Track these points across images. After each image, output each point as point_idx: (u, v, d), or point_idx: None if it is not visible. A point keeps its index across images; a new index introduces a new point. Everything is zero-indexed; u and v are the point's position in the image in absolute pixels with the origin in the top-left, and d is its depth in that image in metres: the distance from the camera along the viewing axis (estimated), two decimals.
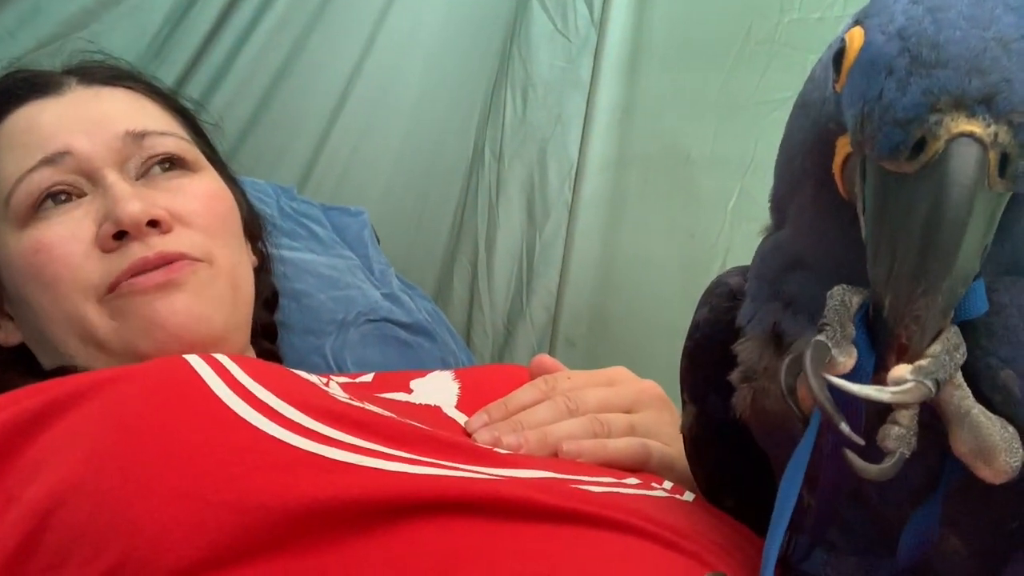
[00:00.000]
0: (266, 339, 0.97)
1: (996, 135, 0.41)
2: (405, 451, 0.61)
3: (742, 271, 0.60)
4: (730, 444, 0.62)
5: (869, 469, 0.43)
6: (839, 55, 0.46)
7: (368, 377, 0.87)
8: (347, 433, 0.61)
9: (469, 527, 0.55)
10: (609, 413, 0.76)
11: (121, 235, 0.78)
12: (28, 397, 0.63)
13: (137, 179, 0.83)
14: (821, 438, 0.47)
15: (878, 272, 0.44)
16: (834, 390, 0.43)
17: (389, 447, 0.60)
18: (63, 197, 0.81)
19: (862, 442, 0.43)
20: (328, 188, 1.31)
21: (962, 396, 0.44)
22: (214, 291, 0.81)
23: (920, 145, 0.41)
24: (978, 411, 0.44)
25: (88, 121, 0.83)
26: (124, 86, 0.90)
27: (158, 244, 0.79)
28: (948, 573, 0.50)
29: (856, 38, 0.45)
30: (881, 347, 0.45)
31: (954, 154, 0.41)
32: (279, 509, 0.54)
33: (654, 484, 0.69)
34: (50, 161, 0.81)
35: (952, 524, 0.48)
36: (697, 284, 0.64)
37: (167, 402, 0.61)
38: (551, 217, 1.37)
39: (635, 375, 0.83)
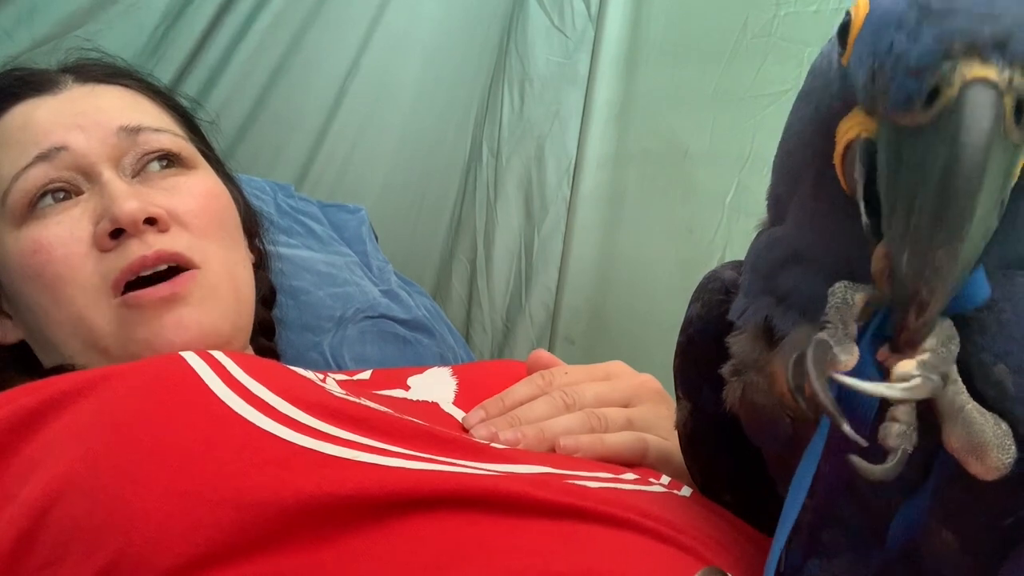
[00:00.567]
0: (264, 336, 0.97)
1: (1011, 80, 0.40)
2: (402, 447, 0.60)
3: (736, 265, 0.60)
4: (725, 439, 0.62)
5: (874, 470, 0.42)
6: (844, 28, 0.45)
7: (366, 375, 0.87)
8: (344, 429, 0.60)
9: (466, 522, 0.55)
10: (606, 408, 0.76)
11: (117, 233, 0.78)
12: (25, 395, 0.63)
13: (133, 176, 0.83)
14: (817, 439, 0.46)
15: (895, 229, 0.42)
16: (838, 389, 0.43)
17: (386, 443, 0.60)
18: (60, 195, 0.80)
19: (865, 443, 0.42)
20: (326, 185, 1.31)
21: (956, 391, 0.44)
22: (218, 299, 0.80)
23: (934, 95, 0.40)
24: (972, 407, 0.44)
25: (83, 117, 0.83)
26: (120, 84, 0.90)
27: (156, 243, 0.78)
28: (941, 568, 0.49)
29: (862, 7, 0.44)
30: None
31: (969, 100, 0.40)
32: (276, 505, 0.54)
33: (651, 479, 0.69)
34: (45, 157, 0.80)
35: (945, 519, 0.48)
36: (695, 280, 0.64)
37: (163, 399, 0.61)
38: (549, 213, 1.37)
39: (633, 369, 0.84)
